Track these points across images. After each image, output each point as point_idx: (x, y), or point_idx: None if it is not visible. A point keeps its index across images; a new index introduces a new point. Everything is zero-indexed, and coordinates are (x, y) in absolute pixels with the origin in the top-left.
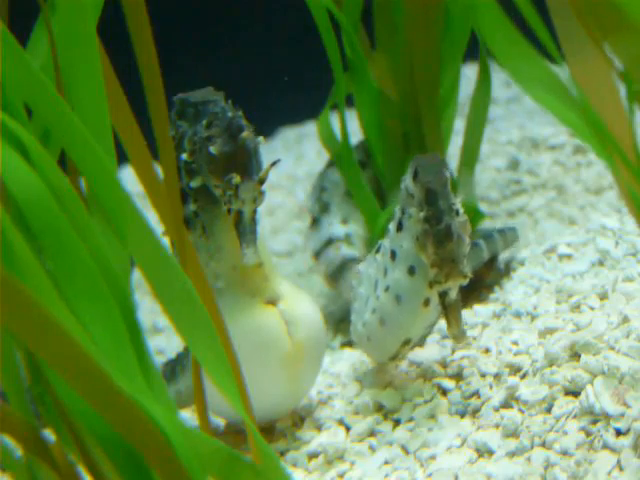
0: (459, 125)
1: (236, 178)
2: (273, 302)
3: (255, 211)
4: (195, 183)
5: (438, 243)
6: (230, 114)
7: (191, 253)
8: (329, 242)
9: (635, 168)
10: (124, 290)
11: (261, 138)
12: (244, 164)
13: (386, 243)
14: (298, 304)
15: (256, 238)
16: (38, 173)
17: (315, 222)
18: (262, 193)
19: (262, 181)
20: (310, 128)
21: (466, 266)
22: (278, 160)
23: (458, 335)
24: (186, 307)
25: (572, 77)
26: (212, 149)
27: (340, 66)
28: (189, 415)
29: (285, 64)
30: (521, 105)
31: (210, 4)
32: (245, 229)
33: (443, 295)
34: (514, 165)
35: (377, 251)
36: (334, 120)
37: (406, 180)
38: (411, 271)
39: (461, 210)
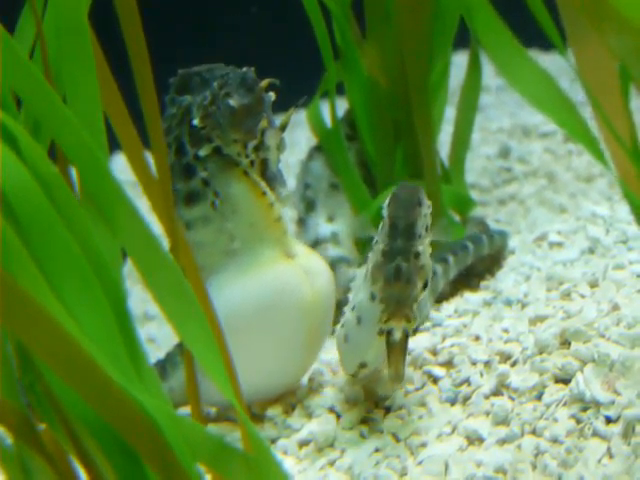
0: (450, 113)
1: (263, 122)
2: (291, 256)
3: (279, 159)
4: (204, 151)
5: (386, 280)
6: (240, 70)
7: (182, 239)
8: (316, 244)
9: (632, 153)
10: (114, 279)
11: (272, 93)
12: (263, 113)
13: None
14: (312, 259)
15: (285, 182)
16: (26, 163)
17: (301, 222)
18: (283, 140)
19: (284, 127)
20: (301, 116)
21: (414, 311)
22: (300, 102)
23: (395, 378)
24: (176, 295)
25: (576, 64)
26: (231, 102)
27: (331, 54)
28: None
29: (276, 52)
30: (512, 93)
31: None
32: (274, 174)
33: (387, 333)
34: (505, 153)
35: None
36: (324, 108)
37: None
38: (372, 297)
39: (424, 254)
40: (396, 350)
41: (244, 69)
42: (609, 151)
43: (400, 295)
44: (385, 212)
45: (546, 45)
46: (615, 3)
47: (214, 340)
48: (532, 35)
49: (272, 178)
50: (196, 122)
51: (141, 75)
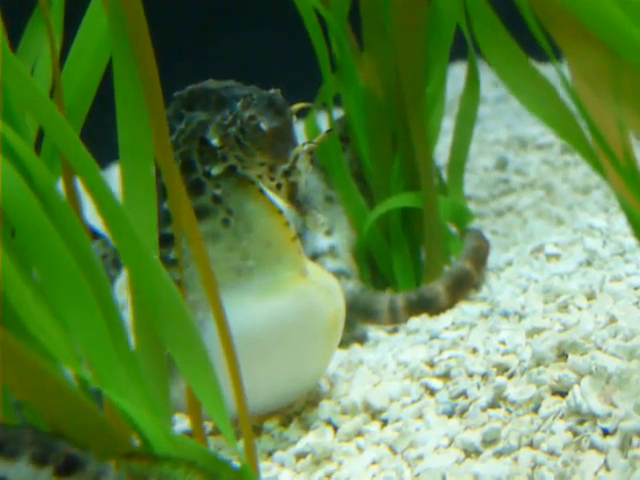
0: (447, 125)
1: (298, 148)
2: (305, 275)
3: (306, 182)
4: (218, 170)
5: None
6: (267, 92)
7: (200, 244)
8: (314, 257)
9: (626, 172)
10: (108, 290)
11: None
12: (293, 136)
13: None
14: (324, 276)
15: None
16: (24, 174)
17: (298, 237)
18: (312, 162)
19: (312, 151)
20: (298, 127)
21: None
22: (330, 130)
23: None
24: (169, 312)
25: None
26: (262, 125)
27: (328, 66)
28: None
29: (273, 63)
30: (509, 104)
31: (197, 4)
32: (305, 198)
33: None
34: (502, 164)
35: None
36: (322, 120)
37: None
38: None
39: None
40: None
41: (271, 91)
42: (605, 164)
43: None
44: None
45: (544, 57)
46: (583, 20)
47: (207, 361)
48: (530, 46)
49: (303, 202)
50: (215, 142)
51: (150, 91)
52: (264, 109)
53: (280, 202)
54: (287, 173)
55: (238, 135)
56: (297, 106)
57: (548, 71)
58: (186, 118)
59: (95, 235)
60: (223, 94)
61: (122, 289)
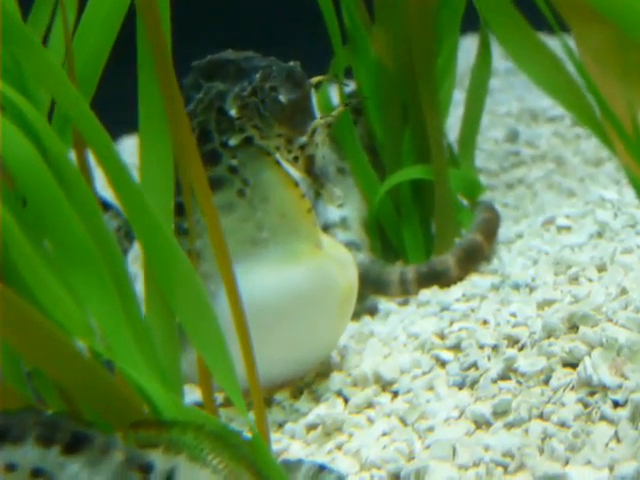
0: (458, 97)
1: (316, 121)
2: (320, 247)
3: (323, 155)
4: (235, 140)
5: None
6: (286, 64)
7: (213, 215)
8: (325, 228)
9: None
10: (120, 260)
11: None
12: (311, 109)
13: None
14: (340, 249)
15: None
16: (37, 144)
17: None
18: (328, 136)
19: (330, 124)
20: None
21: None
22: (347, 104)
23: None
24: (179, 280)
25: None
26: (281, 97)
27: (339, 38)
28: None
29: (285, 36)
30: (520, 77)
31: None
32: (322, 171)
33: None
34: (513, 137)
35: None
36: (333, 93)
37: None
38: None
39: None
40: None
41: (290, 63)
42: (612, 138)
43: None
44: None
45: (551, 29)
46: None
47: (219, 331)
48: (541, 17)
49: (320, 174)
50: (233, 112)
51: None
52: (283, 81)
53: (296, 174)
54: (304, 146)
55: (258, 105)
56: (316, 79)
57: (554, 44)
58: (204, 88)
59: (106, 207)
60: (242, 65)
61: (135, 261)
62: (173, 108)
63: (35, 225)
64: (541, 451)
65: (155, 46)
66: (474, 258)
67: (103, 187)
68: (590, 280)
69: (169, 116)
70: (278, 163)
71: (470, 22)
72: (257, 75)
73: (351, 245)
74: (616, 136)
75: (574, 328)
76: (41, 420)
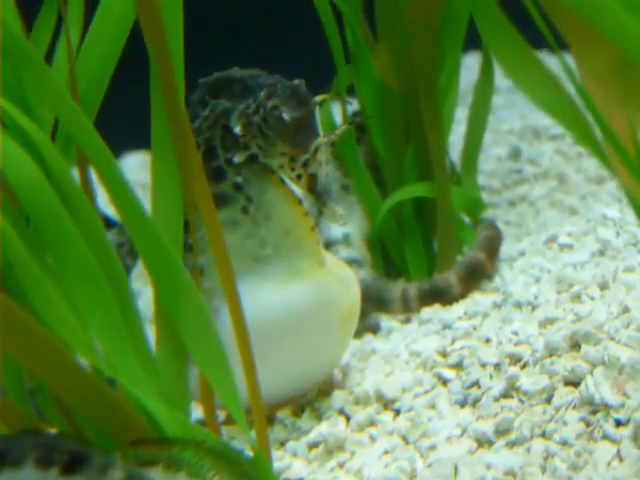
0: (460, 115)
1: (319, 140)
2: (322, 265)
3: (326, 173)
4: (239, 158)
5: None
6: (291, 82)
7: (217, 231)
8: (327, 246)
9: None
10: (122, 278)
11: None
12: (314, 128)
13: None
14: (342, 267)
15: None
16: (39, 162)
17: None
18: (332, 155)
19: (334, 143)
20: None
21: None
22: (351, 123)
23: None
24: (182, 297)
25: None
26: (284, 115)
27: (342, 56)
28: None
29: (287, 54)
30: (522, 94)
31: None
32: (325, 190)
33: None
34: (515, 154)
35: None
36: (336, 111)
37: None
38: None
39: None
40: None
41: (295, 81)
42: (612, 157)
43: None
44: None
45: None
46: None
47: (222, 352)
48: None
49: (323, 193)
50: (237, 130)
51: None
52: (287, 99)
53: (299, 192)
54: (307, 164)
55: (260, 124)
56: (320, 97)
57: (554, 62)
58: (210, 105)
59: (108, 223)
60: (248, 82)
61: (138, 277)
62: (178, 125)
63: (38, 242)
64: (543, 470)
65: (160, 64)
66: (476, 276)
67: (106, 203)
68: (592, 298)
69: (173, 133)
70: (282, 181)
71: (472, 40)
72: (262, 93)
73: (353, 262)
74: (616, 156)
75: (576, 346)
76: (39, 442)
